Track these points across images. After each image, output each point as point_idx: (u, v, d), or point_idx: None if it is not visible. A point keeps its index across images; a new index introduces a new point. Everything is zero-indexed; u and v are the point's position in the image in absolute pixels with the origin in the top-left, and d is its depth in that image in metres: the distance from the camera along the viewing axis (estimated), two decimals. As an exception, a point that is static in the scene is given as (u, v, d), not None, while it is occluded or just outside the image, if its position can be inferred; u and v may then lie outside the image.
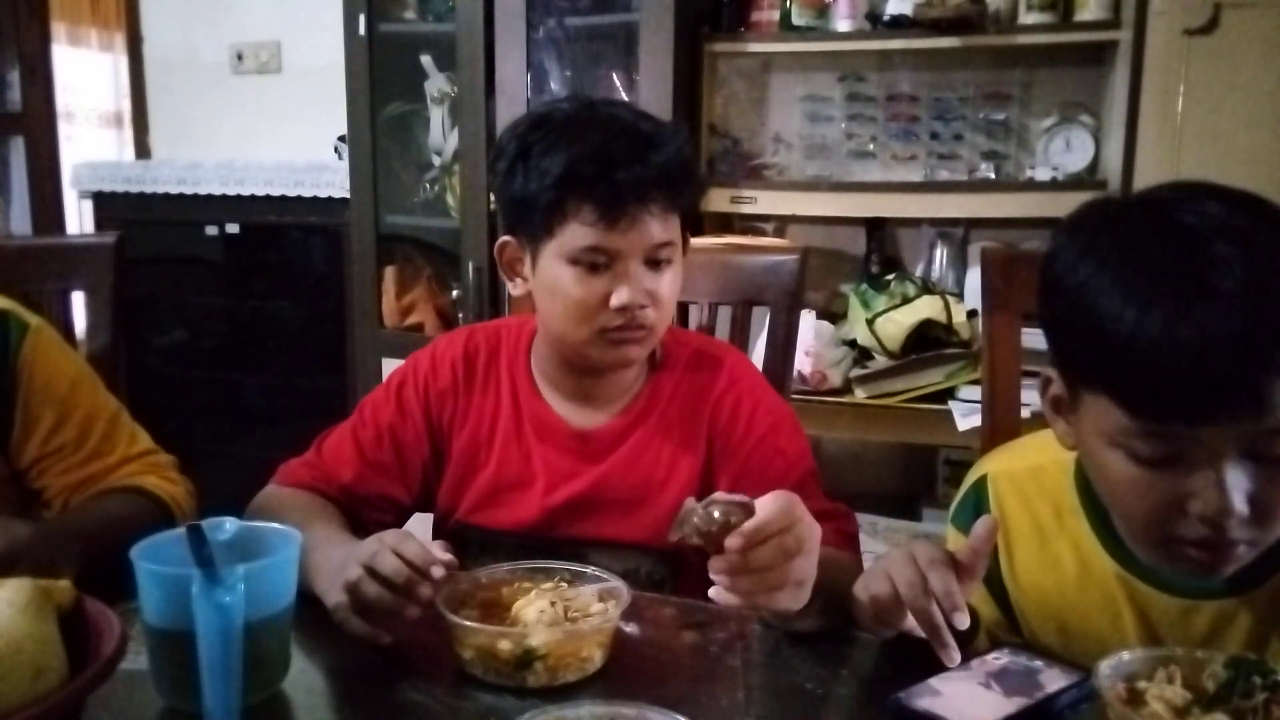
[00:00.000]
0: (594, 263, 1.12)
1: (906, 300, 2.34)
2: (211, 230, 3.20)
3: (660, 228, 1.12)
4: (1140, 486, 0.82)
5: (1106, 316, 0.79)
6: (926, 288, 2.41)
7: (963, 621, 0.83)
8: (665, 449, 1.20)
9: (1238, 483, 0.78)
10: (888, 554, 0.92)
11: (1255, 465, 0.78)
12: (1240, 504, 0.78)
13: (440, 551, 0.92)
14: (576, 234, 1.11)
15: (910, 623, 0.86)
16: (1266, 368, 0.74)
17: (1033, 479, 1.00)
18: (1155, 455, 0.80)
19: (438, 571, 0.91)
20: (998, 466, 1.04)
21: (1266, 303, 0.74)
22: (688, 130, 1.20)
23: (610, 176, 1.09)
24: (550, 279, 1.14)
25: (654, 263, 1.13)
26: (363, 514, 1.19)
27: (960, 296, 2.48)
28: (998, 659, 0.89)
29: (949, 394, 2.29)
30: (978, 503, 1.02)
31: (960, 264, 2.66)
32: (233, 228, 3.18)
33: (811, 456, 1.20)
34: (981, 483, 1.03)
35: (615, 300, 1.11)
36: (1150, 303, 0.76)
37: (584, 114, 1.15)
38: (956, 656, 0.84)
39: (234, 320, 3.27)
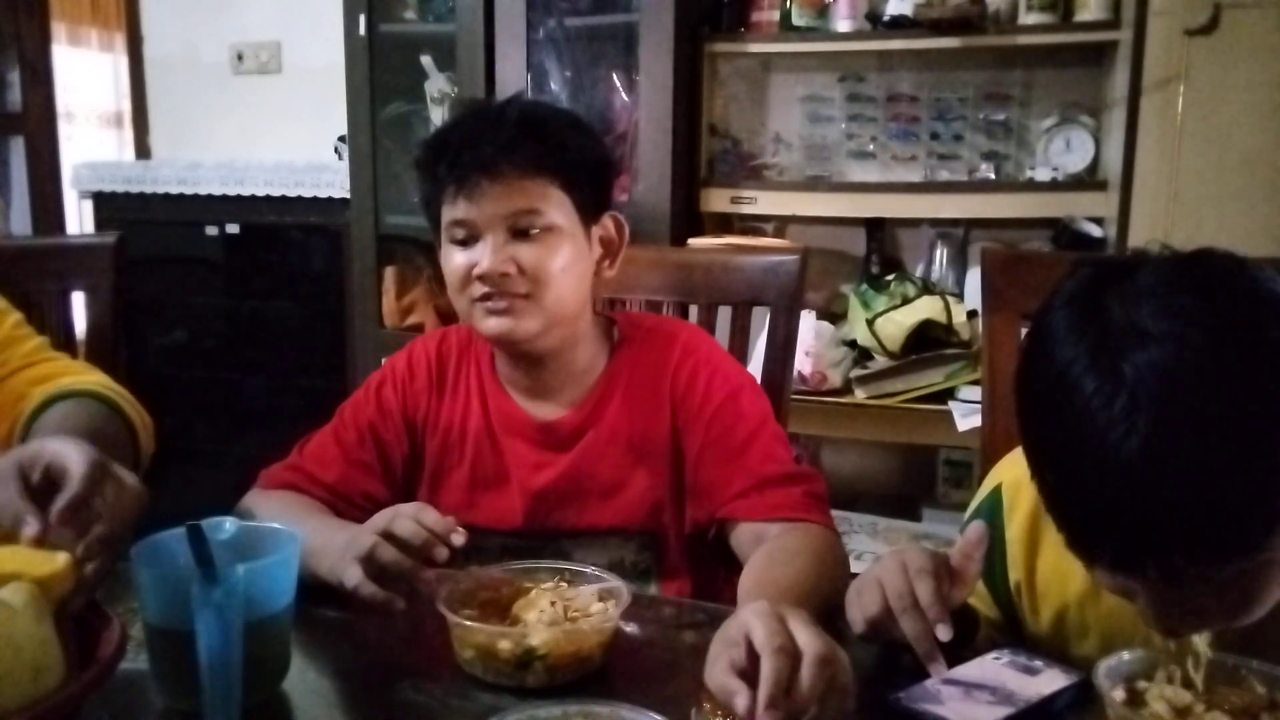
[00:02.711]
0: (462, 237, 1.16)
1: (906, 300, 2.34)
2: (211, 230, 3.20)
3: (519, 196, 1.13)
4: (1093, 572, 0.81)
5: (1090, 415, 0.73)
6: (926, 288, 2.41)
7: (945, 634, 0.83)
8: (631, 430, 1.21)
9: (1171, 601, 0.76)
10: (880, 561, 0.92)
11: (1196, 584, 0.74)
12: (1174, 621, 0.77)
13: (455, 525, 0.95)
14: (445, 211, 1.16)
15: (900, 631, 0.86)
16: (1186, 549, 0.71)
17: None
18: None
19: (458, 539, 0.93)
20: (1011, 475, 1.02)
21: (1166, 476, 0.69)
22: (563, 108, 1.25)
23: (457, 149, 1.13)
24: (443, 253, 1.19)
25: (521, 232, 1.14)
26: (347, 514, 1.18)
27: (960, 296, 2.48)
28: (998, 659, 0.89)
29: (949, 394, 2.29)
30: (991, 514, 1.01)
31: (960, 264, 2.66)
32: (233, 228, 3.18)
33: (772, 420, 1.21)
34: (996, 493, 1.02)
35: (475, 270, 1.14)
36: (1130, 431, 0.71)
37: (466, 107, 1.21)
38: (943, 669, 0.84)
39: (234, 320, 3.27)
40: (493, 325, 1.16)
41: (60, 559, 0.77)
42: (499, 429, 1.24)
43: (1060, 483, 0.76)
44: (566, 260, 1.16)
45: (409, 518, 0.94)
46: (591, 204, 1.19)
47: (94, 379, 1.22)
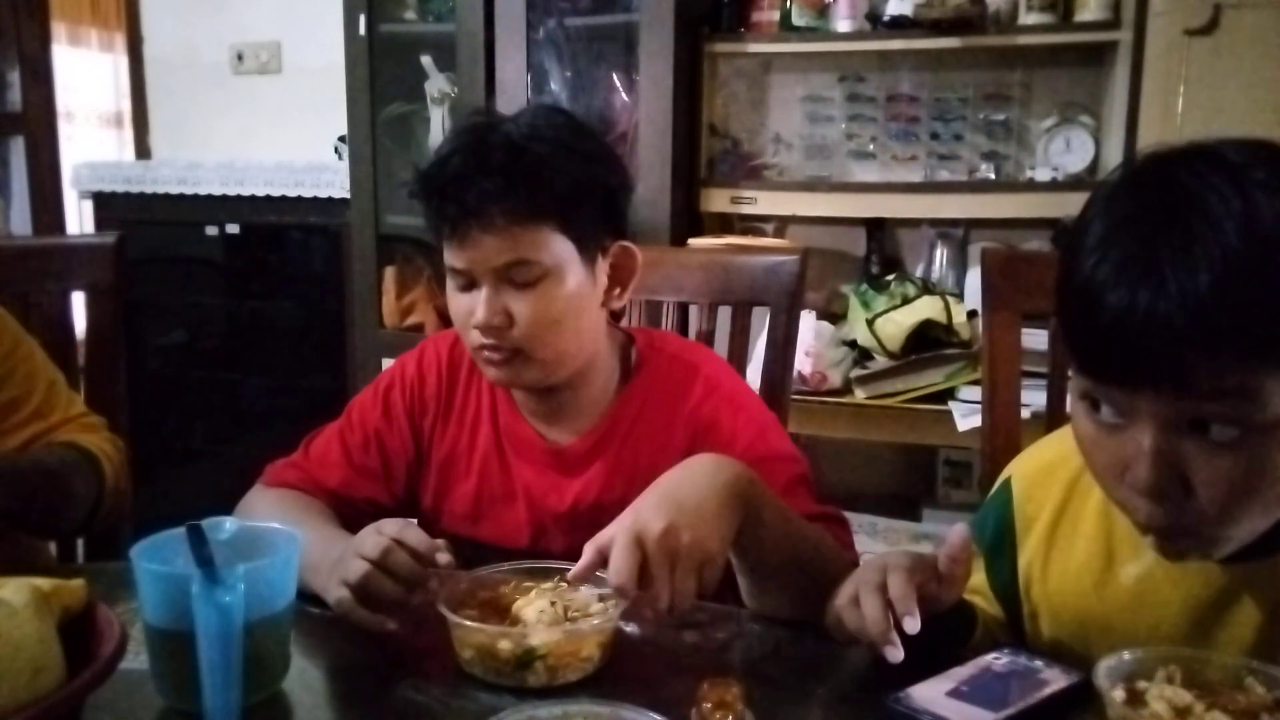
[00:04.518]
0: (461, 282, 1.11)
1: (906, 300, 2.34)
2: (211, 230, 3.20)
3: (510, 245, 1.07)
4: (1095, 445, 0.81)
5: (1075, 258, 0.77)
6: (926, 288, 2.41)
7: (911, 626, 0.83)
8: (641, 461, 1.16)
9: (1167, 459, 0.75)
10: (866, 562, 0.92)
11: (1197, 444, 0.74)
12: (1165, 481, 0.75)
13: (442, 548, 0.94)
14: (444, 251, 1.11)
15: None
16: (1191, 345, 0.71)
17: (1052, 471, 0.98)
18: (1104, 416, 0.78)
19: (444, 558, 0.93)
20: (1021, 467, 1.02)
21: (1214, 284, 0.70)
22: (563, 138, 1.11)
23: (444, 191, 1.07)
24: (447, 294, 1.15)
25: (517, 281, 1.08)
26: (348, 517, 1.17)
27: (960, 296, 2.48)
28: (998, 659, 0.89)
29: (949, 394, 2.29)
30: (1001, 507, 1.01)
31: (960, 264, 2.66)
32: (233, 228, 3.18)
33: (801, 460, 1.16)
34: (1006, 485, 1.02)
35: (471, 320, 1.10)
36: (1105, 256, 0.74)
37: (466, 124, 1.13)
38: (898, 655, 0.84)
39: (234, 320, 3.27)
40: (492, 374, 1.15)
41: (75, 581, 0.78)
42: (509, 449, 1.21)
43: (1083, 285, 0.76)
44: (565, 306, 1.10)
45: (394, 542, 0.92)
46: (594, 236, 1.13)
47: (90, 439, 1.26)
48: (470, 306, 1.10)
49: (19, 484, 1.12)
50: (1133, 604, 0.92)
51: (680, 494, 0.89)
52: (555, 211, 1.08)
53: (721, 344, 1.50)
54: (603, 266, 1.15)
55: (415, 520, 1.25)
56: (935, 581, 0.88)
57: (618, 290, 1.18)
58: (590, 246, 1.12)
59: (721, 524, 0.89)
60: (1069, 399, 0.84)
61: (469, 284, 1.11)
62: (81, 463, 1.21)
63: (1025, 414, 1.36)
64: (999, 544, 1.00)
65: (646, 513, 0.87)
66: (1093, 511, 0.94)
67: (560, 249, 1.10)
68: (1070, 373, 0.83)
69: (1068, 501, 0.96)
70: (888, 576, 0.86)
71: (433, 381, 1.24)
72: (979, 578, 1.02)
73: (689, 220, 2.64)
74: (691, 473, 0.93)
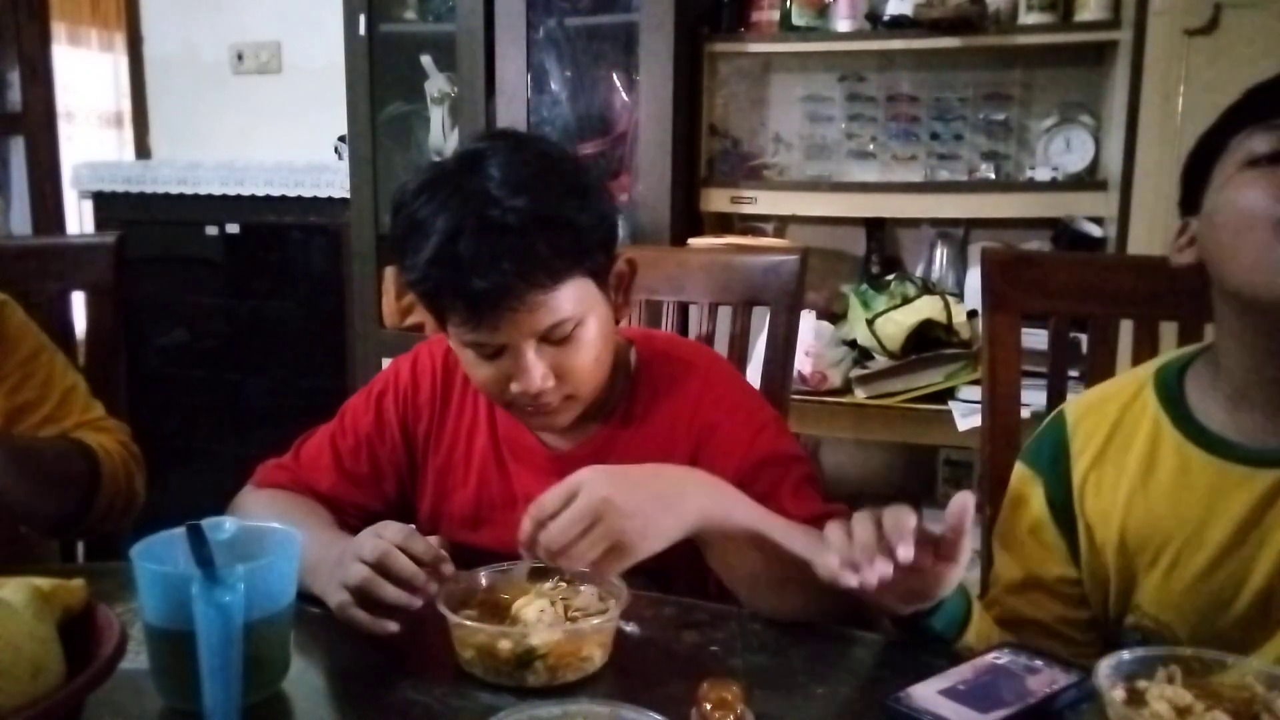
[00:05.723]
0: (487, 354, 1.08)
1: (906, 300, 2.34)
2: (211, 230, 3.20)
3: (547, 312, 1.04)
4: (1262, 188, 0.89)
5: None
6: (926, 288, 2.41)
7: (905, 555, 0.83)
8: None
9: None
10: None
11: None
12: None
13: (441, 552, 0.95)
14: (458, 328, 1.07)
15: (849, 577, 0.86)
16: None
17: (1105, 401, 1.06)
18: (1273, 147, 0.89)
19: (448, 569, 0.93)
20: (1071, 405, 1.10)
21: None
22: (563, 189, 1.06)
23: (461, 285, 1.01)
24: (458, 352, 1.12)
25: (555, 339, 1.06)
26: (338, 522, 1.16)
27: (960, 296, 2.48)
28: (998, 658, 0.89)
29: (949, 394, 2.29)
30: (1055, 433, 1.08)
31: (960, 264, 2.66)
32: (233, 228, 3.18)
33: (806, 459, 1.16)
34: (1059, 416, 1.09)
35: (514, 388, 1.07)
36: None
37: (448, 190, 1.04)
38: (887, 569, 0.83)
39: (234, 320, 3.27)
40: (539, 425, 1.15)
41: (75, 581, 0.79)
42: (508, 455, 1.20)
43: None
44: (598, 343, 1.10)
45: (396, 546, 0.92)
46: (605, 264, 1.11)
47: (96, 437, 1.27)
48: (501, 373, 1.08)
49: None
50: (1174, 504, 0.97)
51: (641, 482, 0.93)
52: (579, 262, 1.06)
53: (721, 344, 1.50)
54: (610, 285, 1.14)
55: (413, 525, 1.26)
56: (930, 553, 0.87)
57: (621, 298, 1.17)
58: (604, 275, 1.12)
59: (659, 528, 0.93)
60: (1220, 194, 0.95)
61: (496, 352, 1.07)
62: (74, 454, 1.22)
63: (1025, 414, 1.36)
64: (1054, 463, 1.07)
65: (601, 476, 0.91)
66: (1144, 431, 1.01)
67: (586, 291, 1.08)
68: (1221, 190, 0.93)
69: (1120, 423, 1.04)
70: (884, 515, 0.87)
71: (426, 388, 1.23)
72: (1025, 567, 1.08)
73: (689, 220, 2.64)
74: (663, 475, 0.98)
